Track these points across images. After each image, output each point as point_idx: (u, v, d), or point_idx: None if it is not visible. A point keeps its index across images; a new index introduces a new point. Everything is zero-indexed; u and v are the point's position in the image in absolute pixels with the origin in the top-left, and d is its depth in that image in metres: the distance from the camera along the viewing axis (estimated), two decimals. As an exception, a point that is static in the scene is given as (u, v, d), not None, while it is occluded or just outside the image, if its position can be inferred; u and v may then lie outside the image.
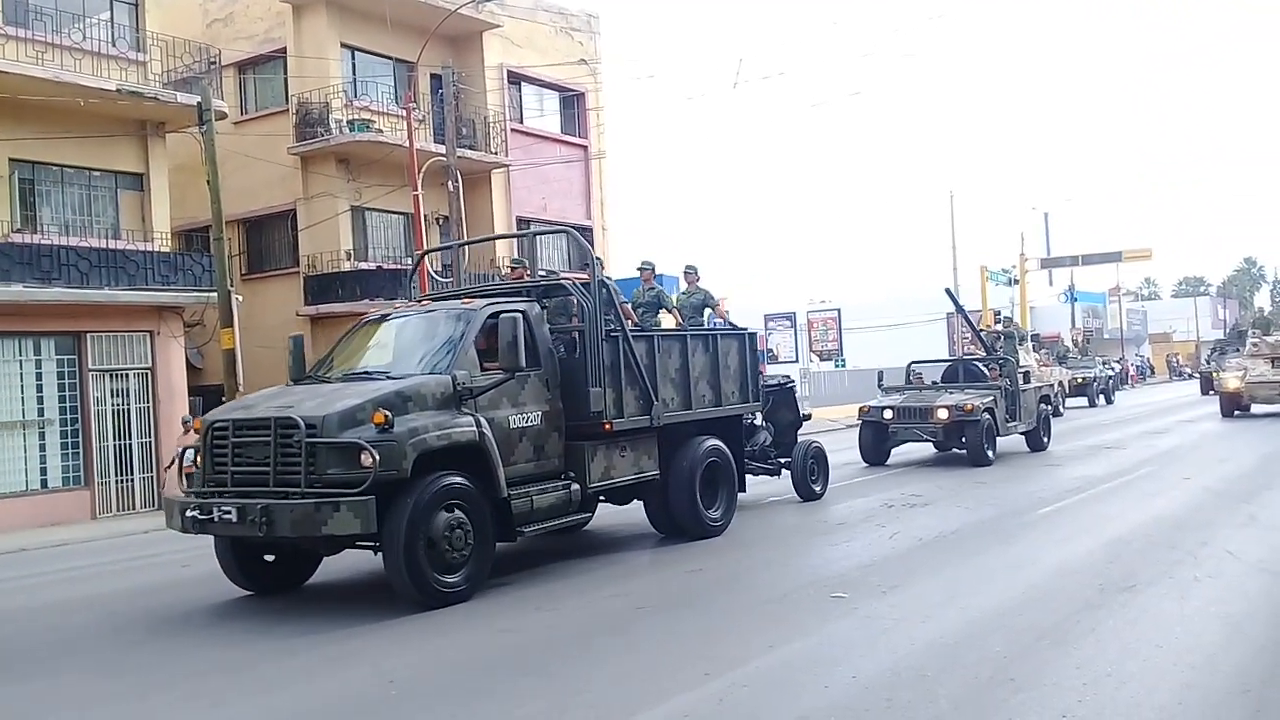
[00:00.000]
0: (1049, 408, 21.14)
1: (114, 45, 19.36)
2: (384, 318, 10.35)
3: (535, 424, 9.56)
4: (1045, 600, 7.83)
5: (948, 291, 22.74)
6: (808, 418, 16.38)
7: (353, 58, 24.46)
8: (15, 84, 17.03)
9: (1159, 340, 75.95)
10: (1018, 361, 21.15)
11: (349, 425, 8.21)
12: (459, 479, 8.58)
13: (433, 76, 24.93)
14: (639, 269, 13.83)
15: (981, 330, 23.94)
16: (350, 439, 8.12)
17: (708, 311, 14.38)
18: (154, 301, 18.96)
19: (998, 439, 18.24)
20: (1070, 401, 35.31)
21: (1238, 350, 28.58)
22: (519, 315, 9.18)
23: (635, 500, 11.68)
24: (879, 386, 20.56)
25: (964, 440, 17.75)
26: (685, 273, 14.53)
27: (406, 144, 22.41)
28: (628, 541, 11.71)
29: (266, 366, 22.48)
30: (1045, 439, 20.29)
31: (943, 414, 17.62)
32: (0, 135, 17.45)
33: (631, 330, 10.85)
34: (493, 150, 26.02)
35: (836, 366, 43.51)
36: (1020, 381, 19.50)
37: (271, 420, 8.40)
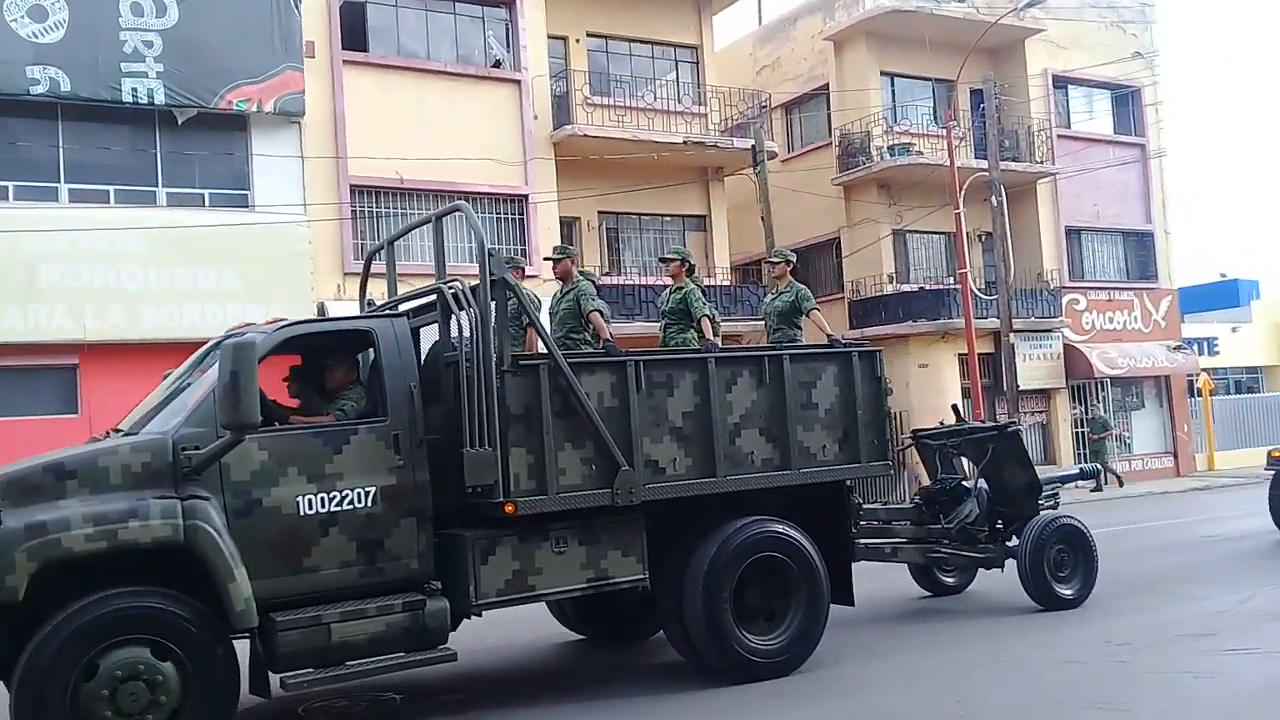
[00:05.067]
0: None
1: (679, 101, 21.52)
2: (216, 344, 6.71)
3: (361, 506, 6.39)
4: None
5: None
6: (1094, 476, 12.34)
7: (891, 84, 24.83)
8: (600, 145, 19.57)
9: None
10: None
11: None
12: (152, 601, 5.79)
13: (972, 92, 24.52)
14: (662, 259, 9.80)
15: None
16: None
17: (809, 320, 9.05)
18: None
19: None
20: None
21: None
22: (252, 342, 5.94)
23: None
24: None
25: None
26: (770, 261, 10.10)
27: (946, 163, 22.24)
28: (1213, 579, 10.48)
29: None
30: None
31: None
32: (590, 191, 20.12)
33: (578, 356, 7.30)
34: (1037, 160, 24.91)
35: None
36: None
37: None
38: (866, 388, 8.07)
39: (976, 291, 22.46)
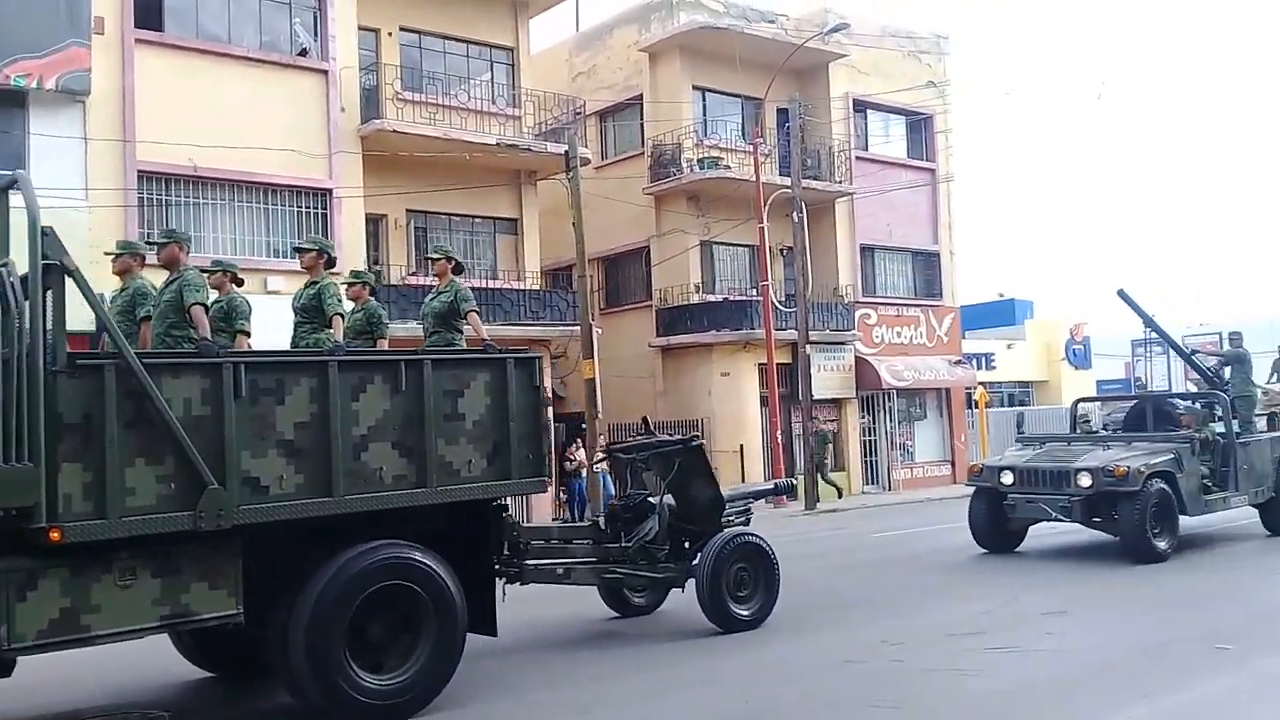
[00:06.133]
0: None
1: (493, 103, 21.37)
2: None
3: None
4: None
5: (1122, 294, 14.66)
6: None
7: (703, 99, 25.46)
8: (411, 143, 19.21)
9: None
10: (1255, 398, 14.81)
11: None
12: None
13: (779, 111, 25.43)
14: (345, 283, 8.61)
15: (1196, 353, 16.35)
16: None
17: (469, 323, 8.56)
18: (526, 335, 20.59)
19: (1186, 517, 12.43)
20: None
21: None
22: None
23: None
24: (1017, 437, 14.95)
25: (1117, 521, 11.94)
26: (429, 258, 9.32)
27: (753, 178, 23.01)
28: (982, 581, 11.28)
29: (622, 395, 23.80)
30: None
31: (1085, 480, 11.89)
32: (399, 189, 19.74)
33: (160, 356, 6.49)
34: (837, 179, 26.08)
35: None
36: (1250, 429, 13.84)
37: None
38: (522, 397, 7.44)
39: (777, 304, 23.33)
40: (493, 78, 21.65)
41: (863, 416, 26.66)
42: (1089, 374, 36.61)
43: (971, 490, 13.48)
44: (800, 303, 22.61)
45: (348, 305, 8.22)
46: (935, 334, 28.14)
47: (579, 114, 22.58)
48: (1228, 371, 15.04)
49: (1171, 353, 18.23)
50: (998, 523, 12.96)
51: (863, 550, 14.31)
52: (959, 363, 28.62)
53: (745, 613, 8.91)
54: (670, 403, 24.55)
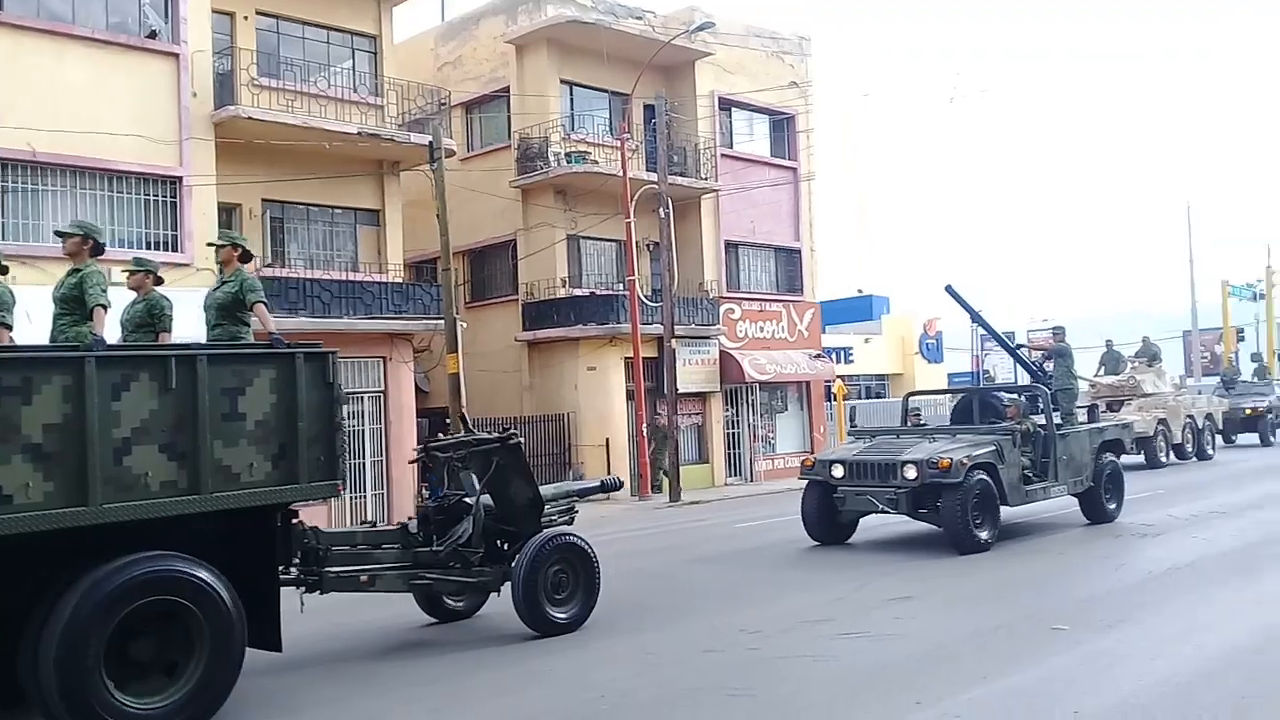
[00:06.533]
0: (1114, 459, 14.49)
1: (354, 91, 20.90)
2: None
3: None
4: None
5: (949, 290, 14.95)
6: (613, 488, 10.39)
7: (571, 93, 25.44)
8: (267, 130, 18.62)
9: None
10: (1076, 391, 15.40)
11: None
12: None
13: (646, 107, 25.61)
14: (129, 271, 8.02)
15: (1021, 347, 16.59)
16: None
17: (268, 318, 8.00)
18: (388, 329, 20.26)
19: (1008, 507, 12.77)
20: (1243, 438, 28.63)
21: None
22: None
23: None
24: (850, 431, 14.98)
25: (940, 511, 12.17)
26: (215, 245, 8.64)
27: (620, 173, 23.13)
28: (833, 570, 11.63)
29: (487, 389, 23.63)
30: (1112, 505, 14.22)
31: (911, 472, 12.17)
32: (254, 178, 19.13)
33: None
34: (702, 176, 26.43)
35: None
36: (1070, 421, 14.27)
37: None
38: (313, 395, 7.01)
39: (643, 298, 23.53)
40: (354, 66, 21.17)
41: (727, 409, 27.12)
42: (941, 367, 38.13)
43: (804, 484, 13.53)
44: (666, 297, 22.85)
45: (129, 295, 7.77)
46: (796, 328, 28.82)
47: (444, 105, 22.28)
48: (1051, 365, 15.53)
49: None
50: (829, 515, 13.11)
51: (723, 540, 14.58)
52: (819, 356, 29.39)
53: (562, 616, 8.59)
54: (537, 397, 24.51)
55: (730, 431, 27.25)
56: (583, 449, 23.70)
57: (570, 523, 9.54)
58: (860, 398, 34.54)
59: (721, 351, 26.39)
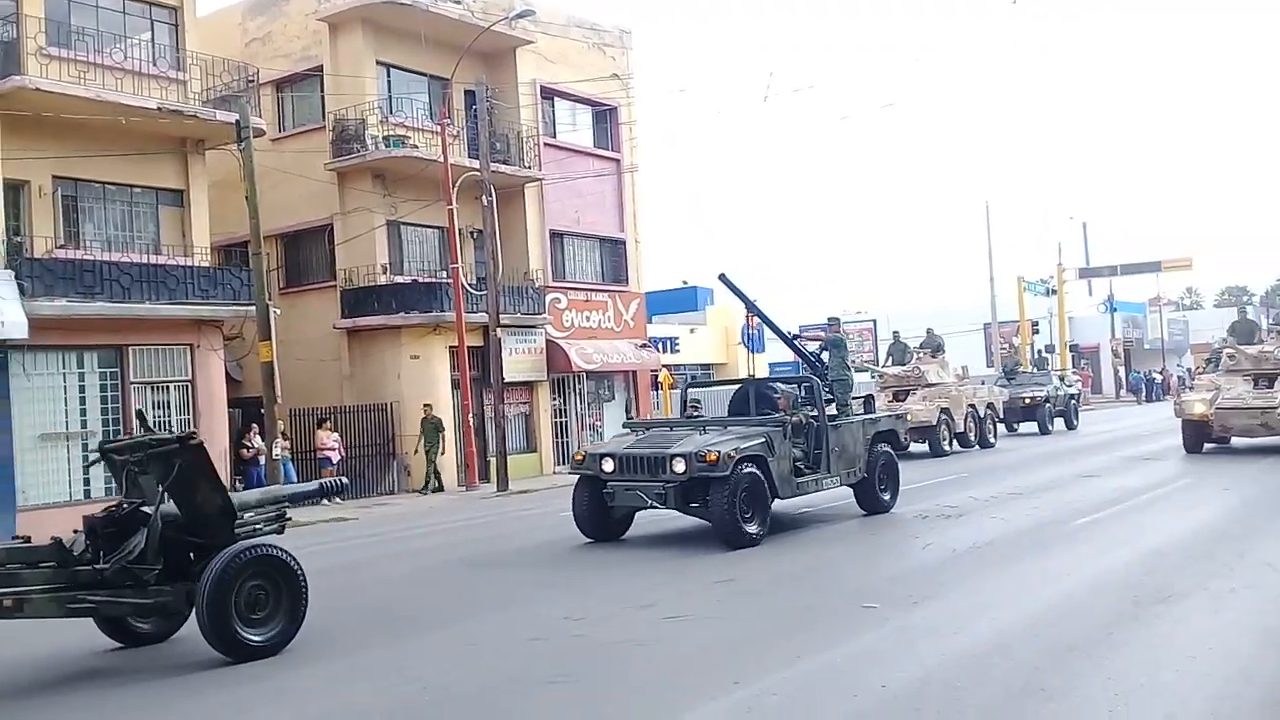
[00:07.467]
0: (888, 449, 14.30)
1: (154, 65, 19.68)
2: None
3: None
4: (1078, 613, 7.75)
5: (723, 278, 14.86)
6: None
7: (388, 75, 24.73)
8: (57, 103, 17.36)
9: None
10: (851, 381, 15.12)
11: None
12: None
13: (467, 93, 25.15)
14: None
15: (797, 337, 16.06)
16: None
17: None
18: (194, 315, 19.24)
19: (780, 500, 12.44)
20: (1024, 427, 29.96)
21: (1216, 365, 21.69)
22: None
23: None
24: (624, 423, 14.79)
25: (709, 505, 11.67)
26: None
27: (441, 159, 22.66)
28: (655, 553, 11.71)
29: (304, 378, 22.76)
30: (887, 495, 14.00)
31: (679, 466, 11.58)
32: (43, 153, 17.79)
33: None
34: (526, 164, 26.19)
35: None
36: (846, 412, 14.09)
37: None
38: None
39: (468, 286, 23.16)
40: (154, 38, 19.92)
41: (554, 398, 27.04)
42: (763, 357, 39.07)
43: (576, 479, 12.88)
44: (491, 286, 22.56)
45: None
46: (622, 318, 28.99)
47: (252, 82, 21.29)
48: (827, 355, 15.21)
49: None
50: (601, 511, 12.47)
51: (549, 529, 14.47)
52: (644, 346, 29.66)
53: (258, 637, 7.47)
54: (358, 386, 23.80)
55: (558, 420, 27.17)
56: (407, 439, 23.16)
57: (280, 531, 8.42)
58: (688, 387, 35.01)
59: (548, 341, 26.26)
